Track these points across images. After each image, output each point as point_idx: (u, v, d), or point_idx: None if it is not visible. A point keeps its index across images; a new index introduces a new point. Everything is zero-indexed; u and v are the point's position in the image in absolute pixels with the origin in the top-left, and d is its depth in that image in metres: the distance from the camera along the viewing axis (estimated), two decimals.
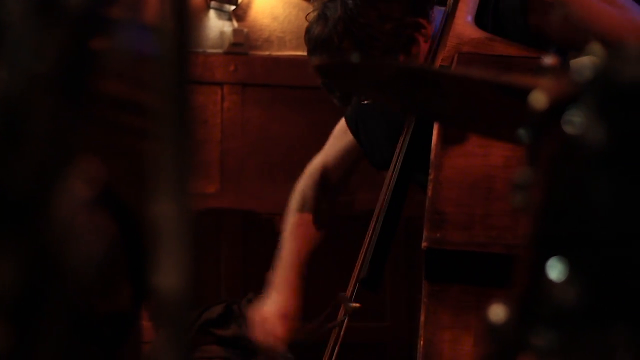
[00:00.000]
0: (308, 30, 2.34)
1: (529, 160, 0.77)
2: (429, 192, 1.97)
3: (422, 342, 2.04)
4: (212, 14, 3.41)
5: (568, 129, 0.71)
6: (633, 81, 0.71)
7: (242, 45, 3.42)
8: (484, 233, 1.98)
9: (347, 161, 2.62)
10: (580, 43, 2.20)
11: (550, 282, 0.69)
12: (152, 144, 1.15)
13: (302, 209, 2.58)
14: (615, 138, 0.69)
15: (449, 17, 2.14)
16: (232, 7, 3.41)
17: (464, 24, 2.15)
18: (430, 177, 1.98)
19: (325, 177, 2.63)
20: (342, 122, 2.61)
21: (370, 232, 2.28)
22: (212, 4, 3.40)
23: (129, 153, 1.22)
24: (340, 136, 2.62)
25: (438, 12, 2.29)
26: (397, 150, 2.27)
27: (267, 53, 3.46)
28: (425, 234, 1.98)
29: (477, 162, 1.98)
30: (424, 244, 1.98)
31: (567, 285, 0.68)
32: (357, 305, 2.15)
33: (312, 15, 2.33)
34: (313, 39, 2.29)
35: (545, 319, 0.69)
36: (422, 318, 2.04)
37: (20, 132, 0.73)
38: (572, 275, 0.69)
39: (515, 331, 0.71)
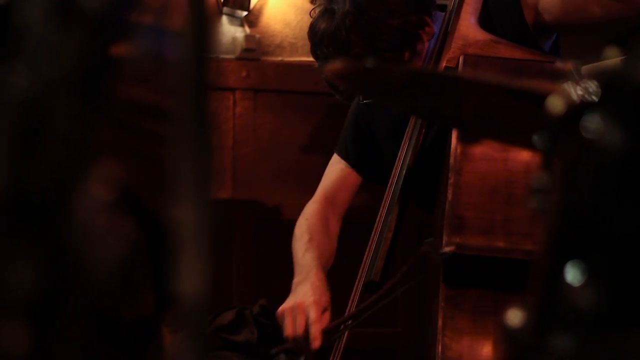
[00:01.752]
0: (313, 25, 2.33)
1: (545, 165, 0.77)
2: (449, 196, 1.97)
3: (440, 348, 2.03)
4: (224, 19, 3.41)
5: (585, 134, 0.71)
6: None
7: (254, 51, 3.42)
8: (503, 238, 1.97)
9: (346, 188, 2.62)
10: (578, 27, 2.22)
11: (567, 286, 0.69)
12: (173, 149, 1.15)
13: (309, 228, 2.57)
14: (633, 142, 0.69)
15: (454, 17, 2.15)
16: (244, 13, 3.41)
17: (469, 25, 2.15)
18: (451, 181, 1.98)
19: (329, 204, 2.62)
20: (334, 156, 2.62)
21: (375, 236, 2.28)
22: (225, 9, 3.40)
23: (151, 158, 1.22)
24: (335, 166, 2.63)
25: (438, 14, 2.30)
26: (401, 151, 2.27)
27: (279, 59, 3.46)
28: (444, 238, 1.98)
29: (497, 167, 1.97)
30: (444, 249, 1.98)
31: (584, 289, 0.68)
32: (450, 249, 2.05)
33: (317, 10, 2.33)
34: (319, 33, 2.29)
35: (562, 323, 0.69)
36: (439, 323, 2.03)
37: (40, 135, 0.73)
38: (589, 279, 0.68)
39: (532, 335, 0.71)
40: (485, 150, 1.98)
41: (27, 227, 0.69)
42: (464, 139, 1.97)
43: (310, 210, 2.60)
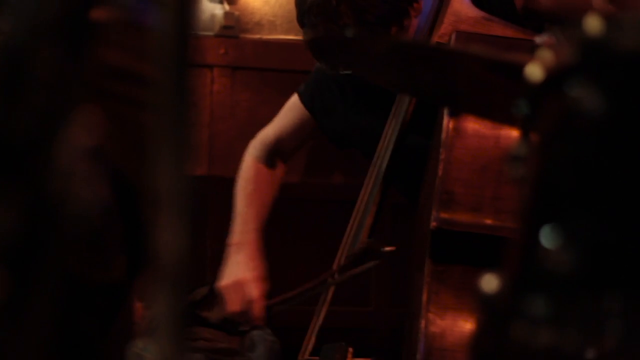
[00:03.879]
0: None
1: (523, 132, 0.78)
2: (440, 172, 1.98)
3: (423, 323, 2.04)
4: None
5: (566, 99, 0.72)
6: (630, 50, 0.71)
7: (233, 28, 3.40)
8: (492, 216, 1.98)
9: (301, 135, 2.65)
10: (570, 17, 2.23)
11: (544, 249, 0.70)
12: (151, 115, 1.14)
13: (256, 177, 2.59)
14: (613, 107, 0.70)
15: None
16: None
17: (462, 2, 2.16)
18: (442, 156, 1.98)
19: (278, 149, 2.65)
20: (295, 97, 2.63)
21: (360, 207, 2.29)
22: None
23: (127, 123, 1.21)
24: (293, 110, 2.64)
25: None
26: (387, 126, 2.27)
27: (257, 36, 3.44)
28: (433, 213, 1.98)
29: (489, 144, 1.98)
30: (432, 224, 1.98)
31: (560, 252, 0.69)
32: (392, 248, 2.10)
33: None
34: (308, 1, 2.28)
35: (538, 286, 0.70)
36: (424, 298, 2.04)
37: (23, 81, 0.72)
38: (566, 242, 0.69)
39: (508, 299, 0.71)
40: (477, 127, 1.99)
41: (8, 171, 0.69)
42: (459, 115, 1.98)
43: (260, 151, 2.62)
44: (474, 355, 0.70)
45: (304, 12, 2.33)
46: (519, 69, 0.94)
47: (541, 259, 0.68)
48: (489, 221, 1.98)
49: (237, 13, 3.43)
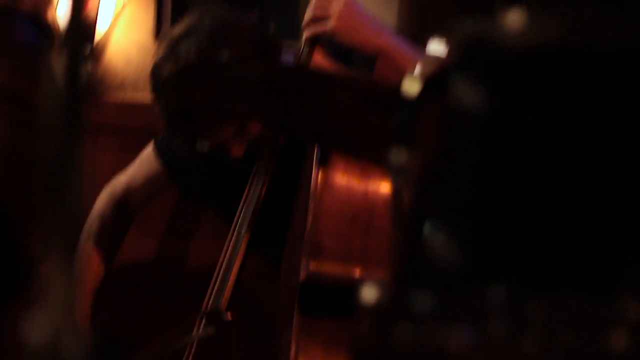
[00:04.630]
0: (156, 68, 2.32)
1: (401, 139, 0.78)
2: (308, 224, 1.97)
3: None
4: (59, 60, 3.34)
5: (447, 98, 0.73)
6: (508, 49, 0.73)
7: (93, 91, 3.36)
8: (360, 267, 1.98)
9: (152, 188, 2.65)
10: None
11: (427, 246, 0.70)
12: (29, 138, 1.10)
13: (101, 230, 2.58)
14: (493, 102, 0.71)
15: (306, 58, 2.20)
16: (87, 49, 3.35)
17: (322, 60, 2.20)
18: (310, 207, 1.98)
19: (127, 200, 2.64)
20: (150, 149, 2.62)
21: (223, 264, 2.27)
22: (60, 49, 3.33)
23: (7, 144, 1.17)
24: (148, 161, 2.63)
25: (289, 56, 2.33)
26: (251, 181, 2.27)
27: (120, 97, 3.41)
28: (303, 264, 1.97)
29: (357, 196, 1.99)
30: (301, 275, 1.97)
31: (444, 248, 0.69)
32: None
33: (161, 53, 2.32)
34: (162, 79, 2.28)
35: (423, 283, 0.70)
36: (292, 351, 2.02)
37: None
38: (449, 238, 0.70)
39: (391, 301, 0.72)
40: (345, 179, 2.00)
41: None
42: (327, 168, 1.99)
43: (111, 200, 2.62)
44: (357, 358, 0.69)
45: (158, 89, 2.33)
46: (389, 101, 0.94)
47: (425, 255, 0.68)
48: (357, 273, 1.98)
49: (99, 74, 3.39)
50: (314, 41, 2.20)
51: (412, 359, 0.66)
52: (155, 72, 2.34)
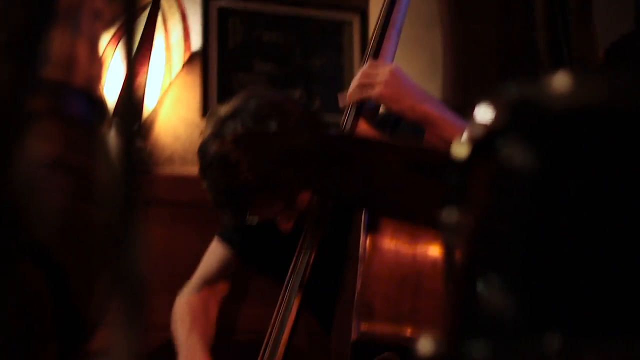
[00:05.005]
0: (202, 147, 2.37)
1: (454, 200, 0.80)
2: (358, 286, 2.00)
3: None
4: (112, 134, 3.40)
5: (497, 159, 0.75)
6: (557, 109, 0.76)
7: (145, 163, 3.41)
8: (410, 327, 2.00)
9: (226, 273, 2.64)
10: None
11: (483, 297, 0.72)
12: (88, 209, 1.14)
13: (191, 312, 2.57)
14: (542, 161, 0.74)
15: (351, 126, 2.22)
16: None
17: (367, 129, 2.22)
18: (360, 270, 2.00)
19: (208, 291, 2.63)
20: (215, 241, 2.63)
21: (272, 329, 2.28)
22: (113, 124, 3.40)
23: (65, 213, 1.20)
24: (217, 253, 2.64)
25: (334, 130, 2.36)
26: (300, 247, 2.29)
27: (169, 171, 3.46)
28: (354, 325, 1.99)
29: (405, 258, 2.02)
30: (353, 336, 1.99)
31: (499, 300, 0.71)
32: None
33: (207, 132, 2.37)
34: (209, 157, 2.32)
35: (479, 333, 0.72)
36: None
37: None
38: (503, 293, 0.71)
39: (448, 353, 0.73)
40: (393, 243, 2.03)
41: None
42: (375, 231, 2.01)
43: (190, 294, 2.60)
44: None
45: (205, 167, 2.37)
46: (437, 166, 0.97)
47: (479, 307, 0.70)
48: (407, 333, 2.00)
49: (148, 149, 3.45)
50: (359, 109, 2.24)
51: None
52: (202, 151, 2.38)
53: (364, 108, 2.24)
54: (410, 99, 2.17)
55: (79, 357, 1.21)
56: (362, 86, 2.20)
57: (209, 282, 2.65)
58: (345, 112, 2.27)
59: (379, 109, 2.29)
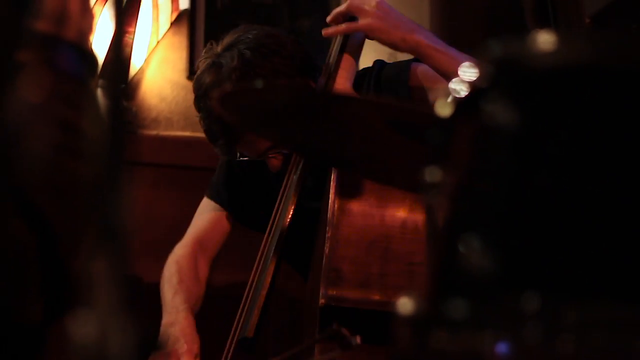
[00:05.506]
0: (198, 78, 2.33)
1: (436, 159, 0.78)
2: (326, 250, 1.96)
3: None
4: (99, 92, 3.36)
5: (481, 117, 0.73)
6: (540, 67, 0.73)
7: (130, 124, 3.38)
8: (379, 292, 1.97)
9: (219, 229, 2.60)
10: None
11: (463, 256, 0.70)
12: (75, 162, 1.11)
13: (179, 271, 2.53)
14: (526, 120, 0.72)
15: (329, 79, 2.18)
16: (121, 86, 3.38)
17: (345, 86, 2.19)
18: (328, 234, 1.97)
19: (199, 249, 2.59)
20: (205, 200, 2.60)
21: (250, 292, 2.24)
22: (100, 82, 3.35)
23: (51, 165, 1.17)
24: (206, 210, 2.60)
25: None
26: (277, 206, 2.25)
27: (154, 132, 3.42)
28: (321, 291, 1.96)
29: (374, 222, 1.98)
30: (320, 301, 1.96)
31: (479, 260, 0.69)
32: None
33: (204, 63, 2.32)
34: (204, 86, 2.28)
35: (458, 291, 0.70)
36: None
37: None
38: (483, 250, 0.70)
39: (428, 311, 0.72)
40: (362, 206, 2.00)
41: None
42: (343, 194, 1.97)
43: (180, 253, 2.56)
44: None
45: (200, 97, 2.33)
46: (420, 126, 0.94)
47: (459, 266, 0.68)
48: (376, 297, 1.96)
49: (134, 109, 3.41)
50: (344, 43, 2.19)
51: None
52: (198, 82, 2.34)
53: (349, 42, 2.20)
54: (400, 30, 2.12)
55: (64, 313, 1.19)
56: (345, 15, 2.16)
57: (199, 241, 2.61)
58: (331, 46, 2.23)
59: (363, 43, 2.24)
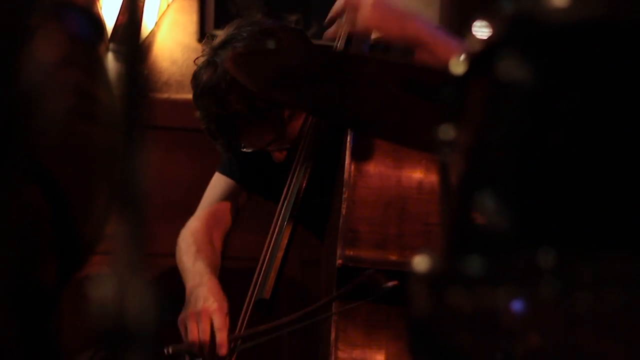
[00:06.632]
0: (196, 75, 2.32)
1: (450, 117, 0.77)
2: (343, 211, 1.96)
3: None
4: (110, 56, 3.34)
5: (495, 73, 0.72)
6: (554, 23, 0.72)
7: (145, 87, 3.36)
8: (396, 252, 1.97)
9: (229, 204, 2.59)
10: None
11: (478, 214, 0.69)
12: (88, 126, 1.10)
13: (196, 242, 2.52)
14: (540, 77, 0.71)
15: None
16: None
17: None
18: (345, 195, 1.96)
19: (214, 223, 2.58)
20: (217, 175, 2.59)
21: (267, 254, 2.24)
22: (111, 46, 3.34)
23: (64, 129, 1.16)
24: (218, 185, 2.60)
25: None
26: (293, 170, 2.25)
27: (165, 96, 3.41)
28: (339, 251, 1.96)
29: (391, 183, 1.97)
30: (338, 262, 1.96)
31: (494, 216, 0.69)
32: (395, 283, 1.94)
33: (201, 60, 2.31)
34: (200, 85, 2.28)
35: (474, 248, 0.69)
36: (332, 336, 2.00)
37: None
38: (498, 206, 0.69)
39: (444, 268, 0.71)
40: (378, 168, 1.99)
41: None
42: (360, 155, 1.96)
43: (194, 226, 2.56)
44: (411, 325, 0.68)
45: (197, 95, 2.32)
46: (433, 85, 0.92)
47: (475, 222, 0.67)
48: (393, 257, 1.96)
49: (145, 72, 3.40)
50: (348, 40, 2.16)
51: (466, 322, 0.65)
52: (195, 80, 2.33)
53: (353, 40, 2.16)
54: (399, 21, 2.08)
55: (76, 276, 1.18)
56: (341, 13, 2.13)
57: (213, 215, 2.60)
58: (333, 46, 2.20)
59: (368, 39, 2.21)
